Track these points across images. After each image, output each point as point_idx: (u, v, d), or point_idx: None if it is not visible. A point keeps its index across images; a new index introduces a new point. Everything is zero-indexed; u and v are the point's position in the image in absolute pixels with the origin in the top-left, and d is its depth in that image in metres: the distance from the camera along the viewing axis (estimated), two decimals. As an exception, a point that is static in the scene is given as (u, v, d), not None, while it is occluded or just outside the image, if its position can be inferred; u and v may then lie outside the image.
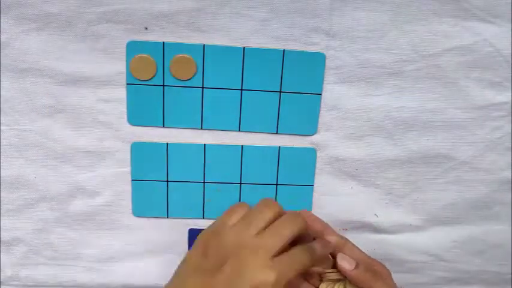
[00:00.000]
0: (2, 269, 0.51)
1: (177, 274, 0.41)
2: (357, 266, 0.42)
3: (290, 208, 0.50)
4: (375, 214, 0.51)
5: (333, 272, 0.44)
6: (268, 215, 0.40)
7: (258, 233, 0.39)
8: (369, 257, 0.45)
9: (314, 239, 0.44)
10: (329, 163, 0.49)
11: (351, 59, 0.45)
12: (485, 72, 0.46)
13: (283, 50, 0.45)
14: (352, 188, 0.50)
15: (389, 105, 0.47)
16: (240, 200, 0.50)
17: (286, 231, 0.39)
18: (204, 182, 0.49)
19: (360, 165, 0.49)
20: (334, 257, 0.44)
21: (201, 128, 0.48)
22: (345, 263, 0.43)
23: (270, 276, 0.36)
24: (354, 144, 0.49)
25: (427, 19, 0.44)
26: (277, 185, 0.50)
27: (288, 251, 0.39)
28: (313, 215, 0.47)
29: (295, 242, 0.40)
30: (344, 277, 0.43)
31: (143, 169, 0.49)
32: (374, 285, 0.42)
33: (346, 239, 0.45)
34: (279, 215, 0.40)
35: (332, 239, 0.44)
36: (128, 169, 0.49)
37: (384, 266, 0.45)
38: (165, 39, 0.44)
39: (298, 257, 0.39)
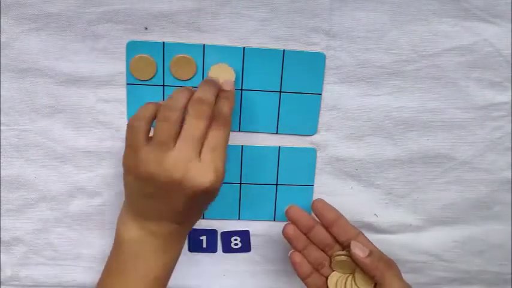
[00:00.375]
0: (2, 269, 0.51)
1: (128, 194, 0.41)
2: (370, 254, 0.43)
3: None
4: (375, 214, 0.51)
5: (342, 255, 0.44)
6: (173, 127, 0.38)
7: (174, 147, 0.38)
8: (381, 252, 0.45)
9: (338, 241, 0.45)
10: (329, 163, 0.49)
11: (351, 59, 0.45)
12: (485, 72, 0.46)
13: (283, 50, 0.45)
14: (352, 188, 0.50)
15: (389, 105, 0.47)
16: (240, 200, 0.50)
17: (197, 132, 0.38)
18: (204, 182, 0.49)
19: (360, 165, 0.49)
20: (346, 246, 0.44)
21: (201, 128, 0.48)
22: (358, 250, 0.43)
23: (209, 176, 0.38)
24: (354, 144, 0.49)
25: (427, 19, 0.44)
26: (277, 185, 0.50)
27: (206, 140, 0.38)
28: (326, 203, 0.46)
29: None
30: (353, 263, 0.44)
31: (143, 169, 0.49)
32: (386, 274, 0.42)
33: (360, 231, 0.45)
34: (183, 111, 0.39)
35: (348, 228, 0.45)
36: (128, 169, 0.49)
37: (394, 263, 0.45)
38: (165, 39, 0.44)
39: (217, 139, 0.39)
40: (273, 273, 0.54)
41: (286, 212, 0.46)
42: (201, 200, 0.40)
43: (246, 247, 0.52)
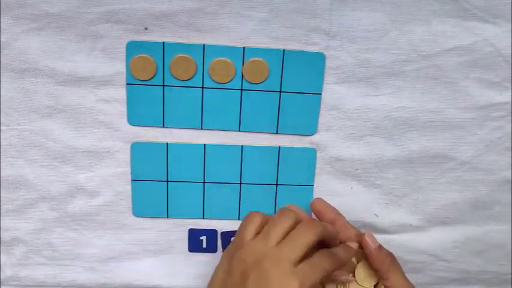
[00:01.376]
0: (2, 269, 0.51)
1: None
2: (379, 247, 0.43)
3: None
4: (375, 214, 0.51)
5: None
6: (286, 224, 0.39)
7: (277, 244, 0.38)
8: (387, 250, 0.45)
9: (340, 243, 0.44)
10: (329, 163, 0.49)
11: (351, 59, 0.45)
12: (485, 72, 0.46)
13: (283, 50, 0.45)
14: (352, 188, 0.50)
15: (389, 105, 0.47)
16: (239, 200, 0.50)
17: (305, 238, 0.38)
18: (204, 182, 0.49)
19: (360, 165, 0.49)
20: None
21: (201, 128, 0.48)
22: (371, 239, 0.43)
23: (292, 284, 0.36)
24: (354, 144, 0.49)
25: (427, 19, 0.44)
26: (277, 185, 0.50)
27: (310, 258, 0.39)
28: (325, 203, 0.46)
29: (321, 246, 0.40)
30: (353, 261, 0.44)
31: (143, 169, 0.49)
32: (392, 268, 0.43)
33: (359, 231, 0.45)
34: (297, 223, 0.40)
35: (352, 244, 0.44)
36: (128, 169, 0.49)
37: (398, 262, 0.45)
38: (165, 39, 0.44)
39: (319, 263, 0.39)
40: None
41: (311, 205, 0.47)
42: None
43: (246, 247, 0.52)
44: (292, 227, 0.40)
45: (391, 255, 0.44)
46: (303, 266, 0.38)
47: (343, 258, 0.42)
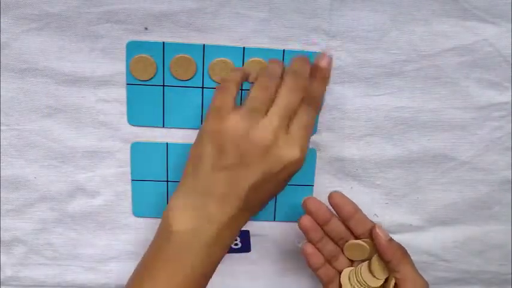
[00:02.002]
0: (2, 269, 0.51)
1: (194, 170, 0.39)
2: (390, 240, 0.43)
3: (290, 208, 0.50)
4: (375, 214, 0.51)
5: (356, 241, 0.44)
6: (268, 96, 0.38)
7: (265, 116, 0.38)
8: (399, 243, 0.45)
9: (356, 238, 0.44)
10: (329, 163, 0.49)
11: (351, 59, 0.45)
12: (485, 72, 0.46)
13: (283, 50, 0.45)
14: (352, 188, 0.50)
15: (389, 105, 0.47)
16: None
17: (291, 104, 0.38)
18: (204, 182, 0.49)
19: (360, 165, 0.49)
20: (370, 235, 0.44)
21: (201, 128, 0.48)
22: (382, 231, 0.42)
23: (295, 152, 0.37)
24: (354, 144, 0.49)
25: (427, 19, 0.44)
26: (277, 185, 0.50)
27: (296, 117, 0.39)
28: (344, 196, 0.45)
29: None
30: (366, 249, 0.44)
31: (143, 169, 0.49)
32: (402, 262, 0.42)
33: (376, 224, 0.44)
34: (278, 86, 0.39)
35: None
36: (128, 169, 0.49)
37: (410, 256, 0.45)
38: (165, 39, 0.44)
39: (307, 119, 0.39)
40: (273, 273, 0.54)
41: (304, 203, 0.44)
42: (277, 179, 0.38)
43: (246, 247, 0.52)
44: (275, 92, 0.39)
45: (402, 248, 0.43)
46: (295, 129, 0.38)
47: (322, 92, 0.42)
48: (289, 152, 0.37)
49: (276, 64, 0.41)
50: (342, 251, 0.46)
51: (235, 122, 0.37)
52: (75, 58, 0.44)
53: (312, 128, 0.40)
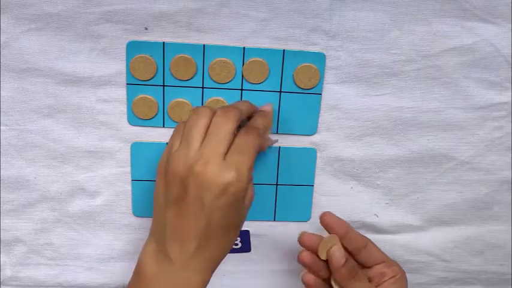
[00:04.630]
0: (2, 269, 0.51)
1: (155, 210, 0.41)
2: (345, 262, 0.42)
3: (290, 208, 0.50)
4: (375, 214, 0.51)
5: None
6: (201, 122, 0.39)
7: (201, 145, 0.38)
8: (387, 257, 0.45)
9: (349, 252, 0.44)
10: (329, 163, 0.49)
11: (351, 59, 0.45)
12: (485, 72, 0.46)
13: (283, 50, 0.45)
14: (352, 188, 0.50)
15: (389, 105, 0.47)
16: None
17: (224, 129, 0.38)
18: (204, 182, 0.49)
19: (360, 165, 0.49)
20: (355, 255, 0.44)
21: (201, 128, 0.48)
22: (335, 258, 0.42)
23: (229, 174, 0.37)
24: (354, 144, 0.49)
25: (427, 19, 0.44)
26: (277, 185, 0.50)
27: (234, 144, 0.39)
28: (334, 217, 0.44)
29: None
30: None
31: (143, 169, 0.49)
32: (366, 245, 0.43)
33: (368, 240, 0.45)
34: (212, 116, 0.39)
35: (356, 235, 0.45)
36: (128, 169, 0.49)
37: (399, 268, 0.45)
38: (165, 39, 0.44)
39: (245, 145, 0.39)
40: (273, 273, 0.54)
41: (300, 239, 0.44)
42: (221, 205, 0.37)
43: (246, 247, 0.52)
44: (209, 122, 0.39)
45: (364, 238, 0.44)
46: (231, 155, 0.38)
47: (264, 127, 0.42)
48: (223, 174, 0.37)
49: (212, 103, 0.43)
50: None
51: (175, 154, 0.38)
52: (75, 58, 0.44)
53: (250, 152, 0.39)
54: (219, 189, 0.37)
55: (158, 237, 0.40)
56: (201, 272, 0.39)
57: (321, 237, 0.44)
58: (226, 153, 0.38)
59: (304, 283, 0.45)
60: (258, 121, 0.43)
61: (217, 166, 0.37)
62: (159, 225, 0.40)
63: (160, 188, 0.40)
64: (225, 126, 0.38)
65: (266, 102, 0.46)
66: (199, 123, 0.39)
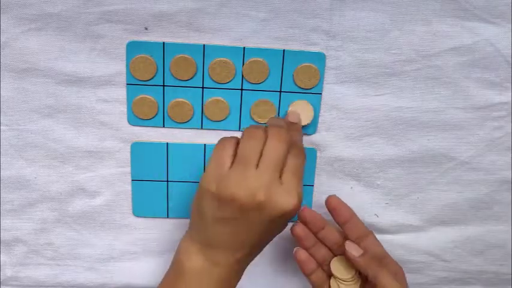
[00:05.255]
0: (2, 269, 0.51)
1: (199, 220, 0.41)
2: (363, 254, 0.43)
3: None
4: (375, 214, 0.51)
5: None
6: (257, 145, 0.39)
7: (257, 167, 0.38)
8: (386, 253, 0.46)
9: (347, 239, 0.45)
10: (329, 163, 0.49)
11: (351, 59, 0.45)
12: (485, 72, 0.46)
13: (283, 50, 0.45)
14: (352, 188, 0.50)
15: (389, 105, 0.47)
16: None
17: (278, 152, 0.39)
18: (204, 182, 0.49)
19: (360, 165, 0.49)
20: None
21: (201, 128, 0.48)
22: (352, 249, 0.43)
23: (292, 201, 0.38)
24: (354, 144, 0.49)
25: (427, 19, 0.44)
26: (277, 185, 0.50)
27: (287, 164, 0.39)
28: (341, 201, 0.46)
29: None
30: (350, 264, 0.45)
31: (143, 169, 0.49)
32: (379, 273, 0.42)
33: (371, 232, 0.46)
34: (266, 137, 0.40)
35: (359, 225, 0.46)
36: (128, 169, 0.49)
37: (397, 265, 0.46)
38: (165, 39, 0.44)
39: (298, 165, 0.40)
40: (273, 273, 0.54)
41: (299, 214, 0.46)
42: (278, 225, 0.40)
43: (246, 247, 0.52)
44: (263, 143, 0.39)
45: (377, 259, 0.44)
46: (287, 177, 0.39)
47: (301, 144, 0.43)
48: (286, 200, 0.38)
49: (255, 125, 0.42)
50: (334, 255, 0.47)
51: (229, 176, 0.38)
52: (75, 58, 0.44)
53: (302, 172, 0.40)
54: (281, 214, 0.38)
55: (202, 242, 0.41)
56: (239, 273, 0.42)
57: (320, 216, 0.46)
58: (281, 175, 0.39)
59: (297, 259, 0.46)
60: (297, 136, 0.43)
61: (279, 194, 0.38)
62: (204, 233, 0.40)
63: (208, 204, 0.39)
64: (279, 151, 0.39)
65: (290, 106, 0.46)
66: (256, 147, 0.39)
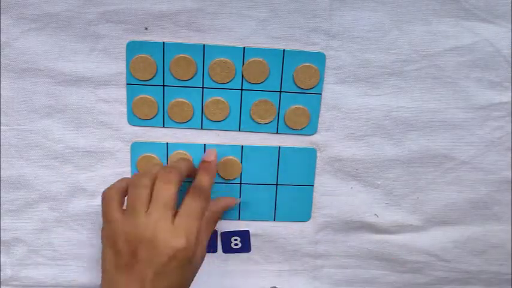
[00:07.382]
0: (2, 269, 0.51)
1: (104, 276, 0.41)
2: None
3: (290, 208, 0.50)
4: (375, 214, 0.51)
5: None
6: (144, 190, 0.40)
7: (146, 211, 0.39)
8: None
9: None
10: (329, 163, 0.49)
11: (351, 59, 0.46)
12: (485, 72, 0.46)
13: (283, 50, 0.45)
14: (352, 188, 0.50)
15: (389, 105, 0.47)
16: (240, 199, 0.50)
17: (168, 194, 0.40)
18: (204, 182, 0.49)
19: (360, 165, 0.49)
20: None
21: (201, 128, 0.48)
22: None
23: (180, 240, 0.39)
24: (354, 144, 0.49)
25: (427, 19, 0.44)
26: (277, 185, 0.50)
27: (182, 204, 0.40)
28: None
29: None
30: None
31: (143, 169, 0.49)
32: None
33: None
34: (154, 180, 0.41)
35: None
36: (128, 169, 0.49)
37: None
38: (165, 39, 0.44)
39: (193, 207, 0.41)
40: (273, 273, 0.54)
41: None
42: (171, 268, 0.39)
43: (246, 247, 0.52)
44: (152, 187, 0.40)
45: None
46: (180, 218, 0.40)
47: (210, 184, 0.44)
48: (174, 241, 0.38)
49: (150, 165, 0.44)
50: None
51: (121, 223, 0.39)
52: (75, 58, 0.44)
53: (198, 214, 0.41)
54: (170, 255, 0.38)
55: None
56: None
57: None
58: (174, 215, 0.40)
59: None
60: (203, 179, 0.44)
61: (167, 232, 0.38)
62: (107, 286, 0.40)
63: (108, 256, 0.40)
64: (167, 191, 0.40)
65: (208, 149, 0.47)
66: (142, 195, 0.40)
